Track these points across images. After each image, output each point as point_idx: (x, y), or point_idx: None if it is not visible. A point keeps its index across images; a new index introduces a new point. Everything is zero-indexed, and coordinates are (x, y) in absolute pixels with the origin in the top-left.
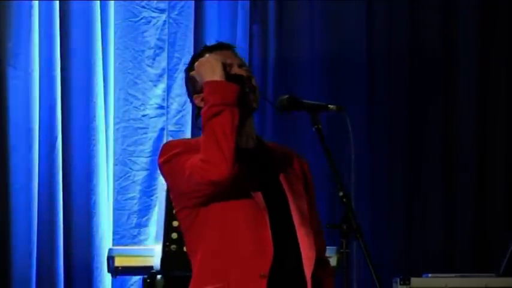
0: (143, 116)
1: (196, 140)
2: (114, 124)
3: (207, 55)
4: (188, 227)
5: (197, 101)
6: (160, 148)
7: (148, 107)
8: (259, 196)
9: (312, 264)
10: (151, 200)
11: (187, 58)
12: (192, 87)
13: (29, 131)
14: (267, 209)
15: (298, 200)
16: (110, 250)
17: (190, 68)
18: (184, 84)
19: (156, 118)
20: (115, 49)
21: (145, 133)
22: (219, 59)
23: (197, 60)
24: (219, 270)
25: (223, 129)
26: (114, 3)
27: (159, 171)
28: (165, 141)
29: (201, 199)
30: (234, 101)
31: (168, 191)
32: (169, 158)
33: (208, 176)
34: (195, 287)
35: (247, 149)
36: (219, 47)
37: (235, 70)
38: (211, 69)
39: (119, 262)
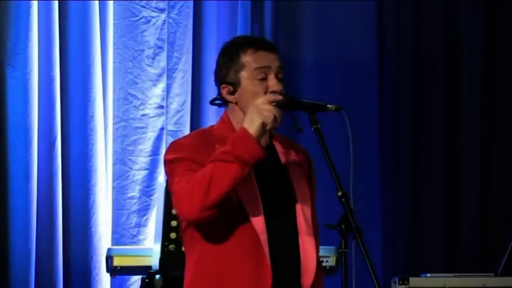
0: (143, 115)
1: (209, 130)
2: (114, 124)
3: (260, 99)
4: (184, 228)
5: (224, 91)
6: (169, 144)
7: (147, 106)
8: (259, 221)
9: (311, 277)
10: (151, 199)
11: (186, 58)
12: (222, 75)
13: (28, 130)
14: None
15: (304, 204)
16: (109, 250)
17: (224, 52)
18: (183, 84)
19: (155, 118)
20: (114, 49)
21: (145, 133)
22: (271, 110)
23: (234, 48)
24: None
25: (222, 179)
26: (114, 2)
27: (158, 171)
28: (164, 141)
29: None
30: (250, 163)
31: (167, 190)
32: (173, 159)
33: (180, 208)
34: None
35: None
36: (265, 46)
37: (270, 79)
38: (255, 117)
39: (117, 262)
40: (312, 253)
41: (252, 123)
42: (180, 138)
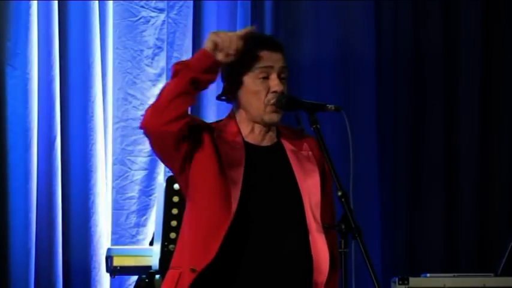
0: (142, 115)
1: (215, 123)
2: (113, 124)
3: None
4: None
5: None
6: None
7: (147, 106)
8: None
9: (325, 275)
10: (150, 199)
11: (186, 58)
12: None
13: (27, 130)
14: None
15: (313, 202)
16: (109, 250)
17: None
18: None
19: None
20: (114, 49)
21: None
22: (234, 40)
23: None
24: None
25: (169, 87)
26: (113, 2)
27: (157, 171)
28: None
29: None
30: (196, 68)
31: (166, 190)
32: None
33: (142, 121)
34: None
35: (266, 146)
36: (270, 45)
37: (272, 79)
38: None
39: (117, 262)
40: (324, 252)
41: (207, 40)
42: None
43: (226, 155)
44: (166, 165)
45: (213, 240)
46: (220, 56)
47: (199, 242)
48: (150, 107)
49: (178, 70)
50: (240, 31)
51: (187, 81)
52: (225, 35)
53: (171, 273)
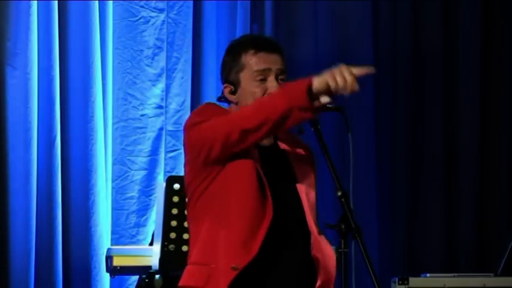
0: (142, 115)
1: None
2: (113, 124)
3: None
4: (195, 198)
5: (226, 91)
6: (191, 114)
7: (147, 106)
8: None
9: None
10: (150, 199)
11: (186, 58)
12: (225, 74)
13: (27, 130)
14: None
15: (310, 204)
16: (109, 250)
17: (228, 51)
18: (182, 84)
19: (154, 118)
20: (114, 49)
21: (144, 133)
22: (347, 79)
23: (236, 48)
24: (212, 250)
25: (264, 107)
26: (113, 2)
27: (157, 171)
28: (163, 141)
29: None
30: (292, 102)
31: (166, 190)
32: (201, 120)
33: (219, 131)
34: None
35: (267, 146)
36: (267, 47)
37: (270, 81)
38: (328, 74)
39: (117, 262)
40: (330, 252)
41: (320, 77)
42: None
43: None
44: (199, 157)
45: (254, 238)
46: (324, 100)
47: (238, 240)
48: (238, 124)
49: (278, 96)
50: (359, 70)
51: (279, 114)
52: (342, 79)
53: (197, 269)
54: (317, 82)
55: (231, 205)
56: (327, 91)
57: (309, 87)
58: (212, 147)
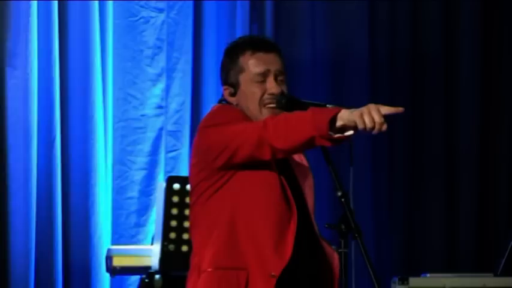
0: (142, 115)
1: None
2: (113, 124)
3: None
4: (205, 199)
5: (226, 92)
6: (206, 116)
7: (147, 106)
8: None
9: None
10: (150, 199)
11: (186, 58)
12: (224, 76)
13: (27, 130)
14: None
15: (313, 212)
16: (109, 250)
17: (226, 54)
18: (183, 84)
19: (154, 118)
20: (114, 49)
21: (144, 133)
22: (374, 119)
23: (234, 50)
24: (238, 254)
25: (302, 134)
26: (113, 2)
27: (157, 171)
28: (163, 141)
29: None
30: (314, 132)
31: (166, 190)
32: (221, 122)
33: (264, 136)
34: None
35: None
36: (265, 48)
37: (269, 82)
38: (358, 112)
39: (117, 262)
40: (333, 252)
41: (350, 112)
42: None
43: None
44: (217, 159)
45: (284, 243)
46: (348, 133)
47: (270, 245)
48: (269, 140)
49: (307, 121)
50: (389, 109)
51: (306, 139)
52: (370, 119)
53: (222, 274)
54: (346, 118)
55: (253, 209)
56: (354, 128)
57: (334, 118)
58: (237, 152)
